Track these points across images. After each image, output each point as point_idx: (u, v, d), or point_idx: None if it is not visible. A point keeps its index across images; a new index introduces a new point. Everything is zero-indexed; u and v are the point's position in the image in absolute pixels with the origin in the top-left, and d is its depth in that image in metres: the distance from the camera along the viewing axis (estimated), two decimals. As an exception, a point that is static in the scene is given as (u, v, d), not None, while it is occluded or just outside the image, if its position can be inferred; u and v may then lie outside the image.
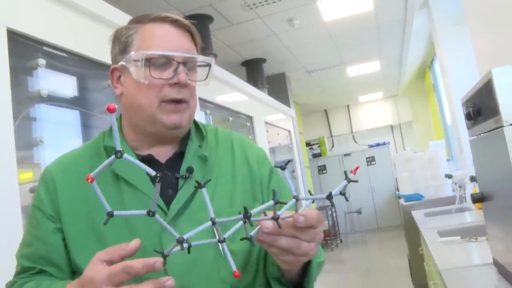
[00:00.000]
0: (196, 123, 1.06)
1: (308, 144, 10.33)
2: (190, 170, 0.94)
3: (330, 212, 8.75)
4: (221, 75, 3.91)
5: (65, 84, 2.10)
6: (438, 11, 4.45)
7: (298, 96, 8.51)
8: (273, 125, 5.39)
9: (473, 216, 3.34)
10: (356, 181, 0.64)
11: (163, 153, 0.98)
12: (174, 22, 0.96)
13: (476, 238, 2.31)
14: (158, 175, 0.63)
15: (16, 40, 1.72)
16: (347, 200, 0.64)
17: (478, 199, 1.66)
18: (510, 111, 1.22)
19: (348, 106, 10.57)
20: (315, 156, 10.33)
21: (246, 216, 0.60)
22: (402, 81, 8.68)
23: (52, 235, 0.90)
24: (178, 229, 0.84)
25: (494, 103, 1.26)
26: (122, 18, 2.23)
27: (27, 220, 0.97)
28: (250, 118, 4.51)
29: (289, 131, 6.24)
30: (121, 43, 0.96)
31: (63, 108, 2.09)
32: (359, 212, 9.05)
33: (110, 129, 1.02)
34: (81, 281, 0.73)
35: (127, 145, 0.97)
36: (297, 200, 0.60)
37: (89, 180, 0.59)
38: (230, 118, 3.98)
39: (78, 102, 2.15)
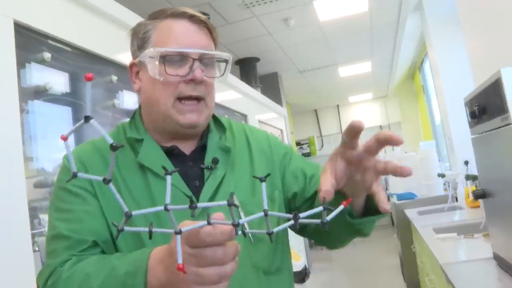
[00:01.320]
0: (214, 116, 1.08)
1: (298, 143, 10.38)
2: (215, 161, 0.96)
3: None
4: (217, 73, 3.92)
5: (64, 78, 2.09)
6: (431, 13, 4.50)
7: (289, 96, 8.55)
8: (266, 123, 5.41)
9: (465, 214, 3.40)
10: (331, 209, 0.63)
11: (186, 146, 1.00)
12: (191, 18, 0.96)
13: (473, 235, 2.36)
14: (116, 145, 0.59)
15: (22, 33, 1.72)
16: (326, 230, 0.62)
17: (479, 195, 1.70)
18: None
19: (338, 106, 10.63)
20: (304, 155, 10.37)
21: (295, 218, 0.60)
22: (392, 82, 8.76)
23: (100, 210, 0.89)
24: (206, 218, 0.85)
25: (501, 101, 1.30)
26: (122, 13, 2.24)
27: (58, 198, 0.93)
28: (244, 116, 4.53)
29: (281, 130, 6.27)
30: (139, 39, 0.97)
31: (63, 102, 2.08)
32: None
33: (131, 121, 1.03)
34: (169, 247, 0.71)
35: (150, 136, 0.98)
36: (266, 215, 0.61)
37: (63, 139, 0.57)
38: (226, 116, 3.99)
39: (79, 97, 2.15)
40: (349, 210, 0.85)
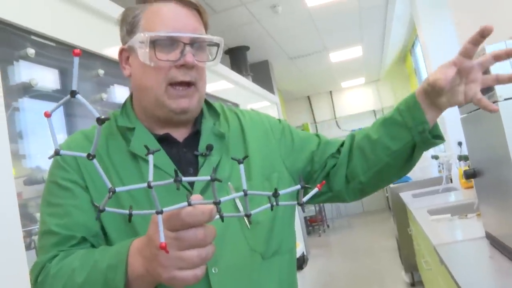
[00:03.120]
0: (207, 102, 1.06)
1: (292, 131, 10.37)
2: (209, 147, 0.95)
3: (316, 198, 8.81)
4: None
5: (52, 74, 2.07)
6: (420, -5, 4.48)
7: (281, 83, 8.52)
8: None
9: (459, 195, 3.42)
10: (309, 187, 0.66)
11: (179, 133, 0.98)
12: (180, 1, 0.93)
13: (466, 215, 2.37)
14: (103, 119, 0.57)
15: (4, 29, 1.69)
16: (303, 211, 0.65)
17: (470, 175, 1.70)
18: (504, 86, 1.25)
19: (330, 92, 10.61)
20: (299, 143, 10.36)
21: (275, 194, 0.62)
22: (383, 66, 8.74)
23: (90, 204, 0.88)
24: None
25: (488, 79, 1.29)
26: (107, 5, 2.21)
27: (49, 192, 0.92)
28: (236, 106, 4.51)
29: (279, 120, 6.26)
30: (128, 23, 0.95)
31: (53, 99, 2.06)
32: (344, 197, 9.15)
33: (122, 109, 1.02)
34: (146, 236, 0.70)
35: (142, 125, 0.97)
36: (245, 195, 0.61)
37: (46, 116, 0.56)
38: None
39: (65, 93, 2.13)
40: (427, 128, 0.93)
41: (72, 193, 0.89)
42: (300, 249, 4.52)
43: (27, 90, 1.86)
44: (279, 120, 1.12)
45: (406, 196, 3.99)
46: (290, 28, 5.64)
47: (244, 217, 0.88)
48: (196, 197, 0.63)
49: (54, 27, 1.92)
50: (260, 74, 6.77)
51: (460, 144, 3.94)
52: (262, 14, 4.98)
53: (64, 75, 2.10)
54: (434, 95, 0.91)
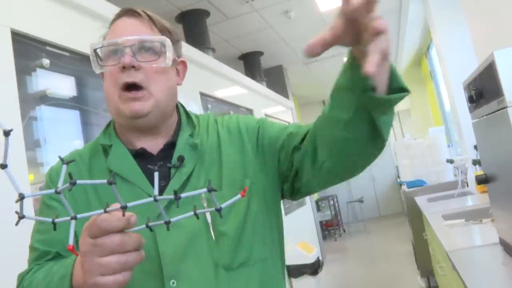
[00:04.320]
0: (187, 113, 1.07)
1: (307, 135, 10.35)
2: (180, 158, 0.95)
3: (332, 202, 8.79)
4: (220, 69, 3.93)
5: (67, 83, 2.11)
6: (433, -1, 4.46)
7: (296, 88, 8.52)
8: (273, 117, 5.41)
9: (475, 199, 3.37)
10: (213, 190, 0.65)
11: (154, 145, 0.99)
12: (127, 12, 0.97)
13: (481, 220, 2.34)
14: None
15: (20, 41, 1.73)
16: (221, 216, 0.68)
17: (482, 180, 1.69)
18: (514, 92, 1.25)
19: (345, 96, 10.57)
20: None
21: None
22: (398, 70, 8.61)
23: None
24: (170, 217, 0.80)
25: (497, 84, 1.29)
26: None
27: (39, 211, 0.99)
28: (250, 111, 4.53)
29: (288, 123, 6.25)
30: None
31: (65, 107, 2.10)
32: (361, 201, 9.10)
33: (105, 127, 1.05)
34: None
35: (119, 140, 0.99)
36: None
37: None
38: (231, 112, 4.00)
39: (80, 101, 2.17)
40: (368, 84, 0.75)
41: (54, 211, 0.92)
42: (315, 254, 4.49)
43: (43, 99, 1.90)
44: (258, 120, 1.07)
45: (421, 200, 3.96)
46: (303, 33, 5.65)
47: (211, 229, 0.91)
48: (114, 205, 0.66)
49: (68, 37, 1.96)
50: (275, 79, 6.79)
51: (476, 147, 3.90)
52: (275, 19, 5.00)
53: (79, 83, 2.14)
54: (355, 50, 0.76)
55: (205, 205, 0.92)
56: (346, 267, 6.17)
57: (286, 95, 6.70)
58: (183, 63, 1.07)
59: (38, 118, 1.87)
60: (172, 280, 0.86)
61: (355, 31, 0.70)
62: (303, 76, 7.94)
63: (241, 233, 0.93)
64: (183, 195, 0.65)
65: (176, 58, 1.02)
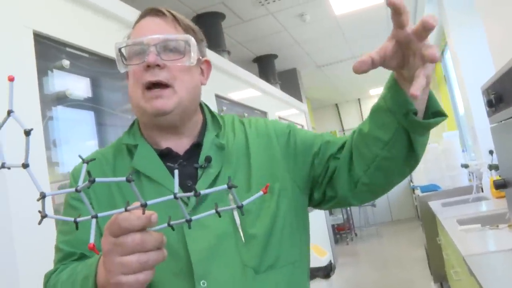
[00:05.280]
0: (212, 113, 1.07)
1: (319, 138, 10.33)
2: (208, 159, 0.95)
3: (344, 206, 8.73)
4: (235, 71, 3.95)
5: (83, 84, 2.14)
6: (448, 1, 4.43)
7: (309, 91, 8.52)
8: (287, 120, 5.41)
9: (490, 205, 3.35)
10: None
11: (180, 145, 0.99)
12: (151, 12, 0.98)
13: (497, 226, 2.32)
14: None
15: (41, 42, 1.76)
16: (242, 213, 0.66)
17: (500, 185, 1.68)
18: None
19: (359, 99, 10.55)
20: (327, 150, 10.30)
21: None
22: (413, 73, 8.62)
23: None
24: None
25: (517, 89, 1.29)
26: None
27: (63, 212, 1.00)
28: (264, 114, 4.54)
29: (302, 126, 6.26)
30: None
31: (85, 107, 2.13)
32: (373, 205, 9.06)
33: (129, 127, 1.06)
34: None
35: (144, 140, 1.00)
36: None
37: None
38: (246, 114, 4.02)
39: (95, 102, 2.19)
40: (411, 108, 0.80)
41: (78, 211, 0.93)
42: (327, 257, 4.49)
43: (61, 99, 1.93)
44: (288, 125, 1.08)
45: (435, 205, 3.93)
46: (317, 37, 5.65)
47: (240, 230, 0.91)
48: (135, 204, 0.66)
49: (87, 38, 1.98)
50: (288, 82, 6.79)
51: (491, 152, 3.87)
52: (290, 22, 5.01)
53: (94, 84, 2.17)
54: (398, 74, 0.81)
55: (232, 204, 0.92)
56: (358, 271, 6.14)
57: (299, 98, 6.70)
58: (207, 63, 1.07)
59: (54, 118, 1.90)
60: (203, 281, 0.86)
61: (403, 55, 0.75)
62: (317, 79, 7.94)
63: (270, 235, 0.93)
64: (202, 192, 0.64)
65: (200, 57, 1.02)
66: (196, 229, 0.87)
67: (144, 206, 0.64)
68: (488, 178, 3.70)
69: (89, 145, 2.15)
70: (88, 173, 0.61)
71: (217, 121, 1.05)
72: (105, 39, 2.09)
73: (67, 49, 1.94)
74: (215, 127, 1.04)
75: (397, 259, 6.27)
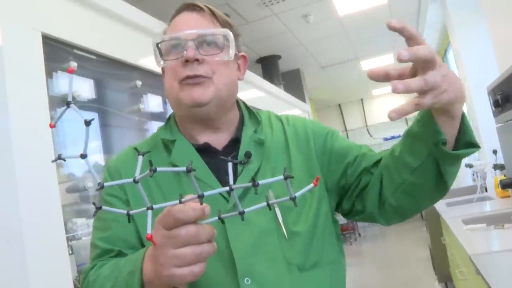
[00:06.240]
0: (249, 109, 1.07)
1: (322, 139, 10.34)
2: (248, 154, 0.94)
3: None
4: (239, 72, 3.95)
5: (88, 86, 2.15)
6: (452, 2, 4.44)
7: (312, 91, 8.52)
8: (290, 120, 5.42)
9: (495, 204, 3.34)
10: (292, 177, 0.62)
11: (218, 140, 0.99)
12: (188, 7, 0.98)
13: (503, 225, 2.33)
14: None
15: (50, 44, 1.77)
16: (295, 205, 0.64)
17: (507, 184, 1.69)
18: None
19: (362, 100, 10.56)
20: (330, 151, 10.30)
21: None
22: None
23: (130, 217, 0.93)
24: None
25: (524, 89, 1.29)
26: (144, 19, 2.28)
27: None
28: (268, 114, 4.54)
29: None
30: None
31: (90, 109, 2.14)
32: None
33: (166, 123, 1.06)
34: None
35: (182, 135, 1.00)
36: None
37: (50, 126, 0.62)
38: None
39: (99, 103, 2.20)
40: (440, 138, 0.79)
41: (112, 207, 0.92)
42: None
43: (66, 101, 1.93)
44: (328, 129, 1.08)
45: (439, 205, 3.93)
46: (321, 37, 5.66)
47: (283, 227, 0.90)
48: (188, 196, 0.66)
49: (94, 40, 2.00)
50: (292, 82, 6.80)
51: (495, 152, 3.87)
52: (294, 23, 5.02)
53: (101, 85, 2.18)
54: None
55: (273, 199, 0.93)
56: (362, 271, 6.14)
57: (303, 99, 6.71)
58: (244, 58, 1.07)
59: (60, 119, 1.91)
60: (247, 278, 0.86)
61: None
62: (320, 80, 7.95)
63: (313, 234, 0.94)
64: (261, 182, 0.62)
65: (237, 52, 1.01)
66: (238, 225, 0.87)
67: (201, 197, 0.63)
68: (492, 177, 3.71)
69: (92, 147, 2.16)
70: (150, 162, 0.61)
71: (255, 117, 1.05)
72: (112, 41, 2.10)
73: (75, 51, 1.95)
74: (253, 122, 1.03)
75: (401, 259, 6.27)
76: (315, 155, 1.01)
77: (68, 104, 0.59)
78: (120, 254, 0.92)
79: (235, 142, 0.99)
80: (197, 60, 0.91)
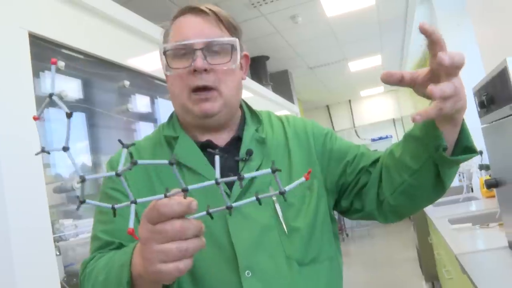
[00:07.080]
0: (250, 108, 1.09)
1: (311, 140, 10.36)
2: (249, 152, 0.97)
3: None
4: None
5: (75, 85, 2.13)
6: (439, 5, 4.48)
7: (301, 92, 8.55)
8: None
9: (480, 204, 3.39)
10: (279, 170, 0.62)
11: (221, 139, 1.01)
12: (193, 10, 0.97)
13: (488, 225, 2.36)
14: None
15: (37, 43, 1.76)
16: (285, 199, 0.63)
17: (491, 184, 1.71)
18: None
19: (349, 101, 10.61)
20: (318, 151, 10.33)
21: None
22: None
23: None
24: (240, 209, 0.89)
25: (509, 90, 1.31)
26: (132, 18, 2.28)
27: (100, 201, 0.97)
28: (256, 115, 4.55)
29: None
30: (164, 39, 1.02)
31: (77, 108, 2.13)
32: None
33: (169, 119, 1.07)
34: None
35: (185, 133, 1.01)
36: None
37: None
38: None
39: (87, 103, 2.18)
40: (441, 144, 0.81)
41: (116, 201, 0.92)
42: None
43: (52, 101, 1.91)
44: (327, 129, 1.11)
45: (426, 205, 3.96)
46: (309, 38, 5.67)
47: (283, 223, 0.93)
48: (174, 190, 0.65)
49: (82, 40, 1.98)
50: (280, 83, 6.81)
51: (481, 153, 3.91)
52: (282, 24, 5.03)
53: (89, 85, 2.17)
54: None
55: (274, 198, 0.94)
56: (350, 272, 6.16)
57: (291, 100, 6.73)
58: (246, 57, 1.08)
59: (46, 120, 1.90)
60: (247, 271, 0.88)
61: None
62: (308, 81, 7.97)
63: (312, 230, 0.96)
64: (246, 175, 0.62)
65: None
66: (239, 220, 0.90)
67: (185, 191, 0.62)
68: (478, 178, 3.75)
69: (79, 147, 2.15)
70: (131, 155, 0.60)
71: (256, 116, 1.07)
72: (99, 41, 2.09)
73: (62, 50, 1.94)
74: (254, 121, 1.06)
75: (388, 260, 6.31)
76: (315, 155, 1.04)
77: (50, 96, 0.58)
78: (120, 246, 0.92)
79: (237, 140, 1.01)
80: (205, 69, 0.92)
